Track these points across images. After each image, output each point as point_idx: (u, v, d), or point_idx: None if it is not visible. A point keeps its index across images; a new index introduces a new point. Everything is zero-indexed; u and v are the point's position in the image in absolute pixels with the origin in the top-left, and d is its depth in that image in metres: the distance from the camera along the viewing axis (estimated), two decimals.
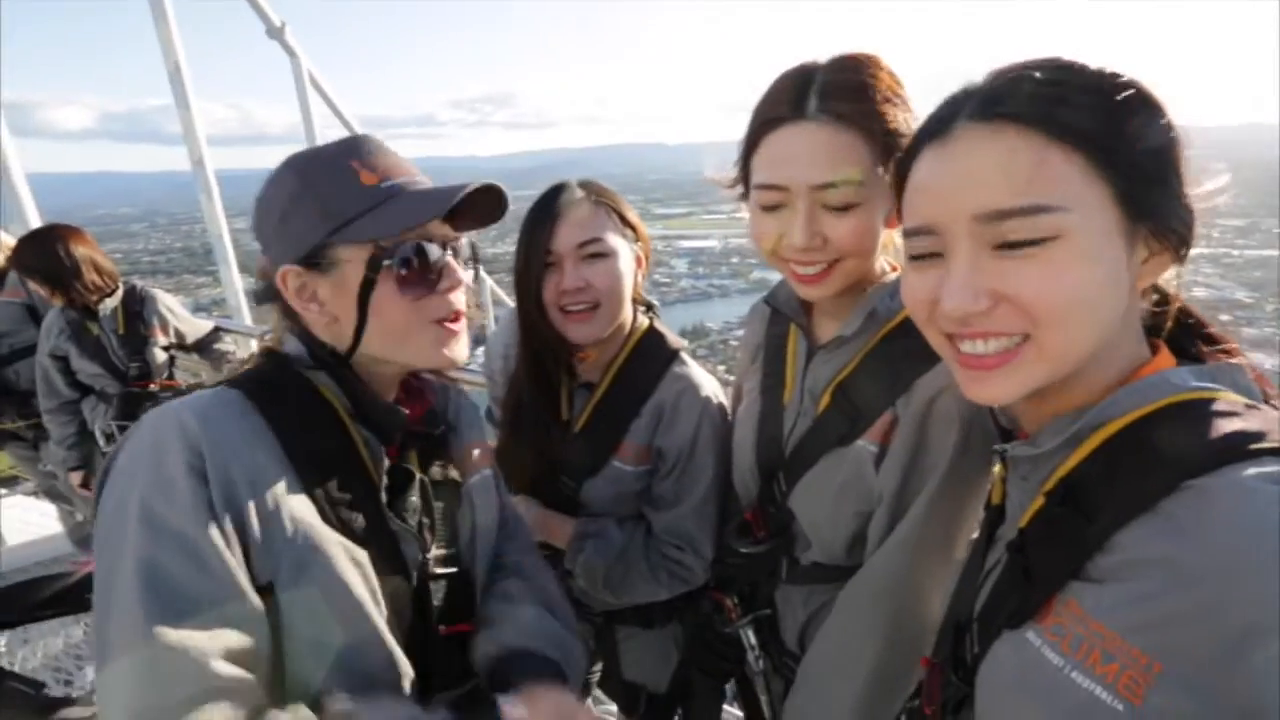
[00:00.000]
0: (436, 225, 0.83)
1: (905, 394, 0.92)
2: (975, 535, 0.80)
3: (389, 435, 0.86)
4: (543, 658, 0.88)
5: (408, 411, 0.89)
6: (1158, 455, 0.54)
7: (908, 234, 0.65)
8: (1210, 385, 0.57)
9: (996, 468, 0.74)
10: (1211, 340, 0.65)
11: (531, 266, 1.19)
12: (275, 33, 4.19)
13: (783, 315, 1.11)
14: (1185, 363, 0.62)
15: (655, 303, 1.38)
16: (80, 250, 2.48)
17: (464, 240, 0.87)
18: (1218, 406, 0.54)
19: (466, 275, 0.86)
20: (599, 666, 1.45)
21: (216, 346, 2.88)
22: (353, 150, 0.82)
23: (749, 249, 1.00)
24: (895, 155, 0.88)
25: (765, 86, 0.93)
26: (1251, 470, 0.49)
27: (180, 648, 0.64)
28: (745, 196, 0.98)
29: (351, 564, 0.76)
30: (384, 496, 0.83)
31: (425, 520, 0.89)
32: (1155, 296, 0.66)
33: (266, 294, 0.85)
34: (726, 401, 1.32)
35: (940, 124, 0.61)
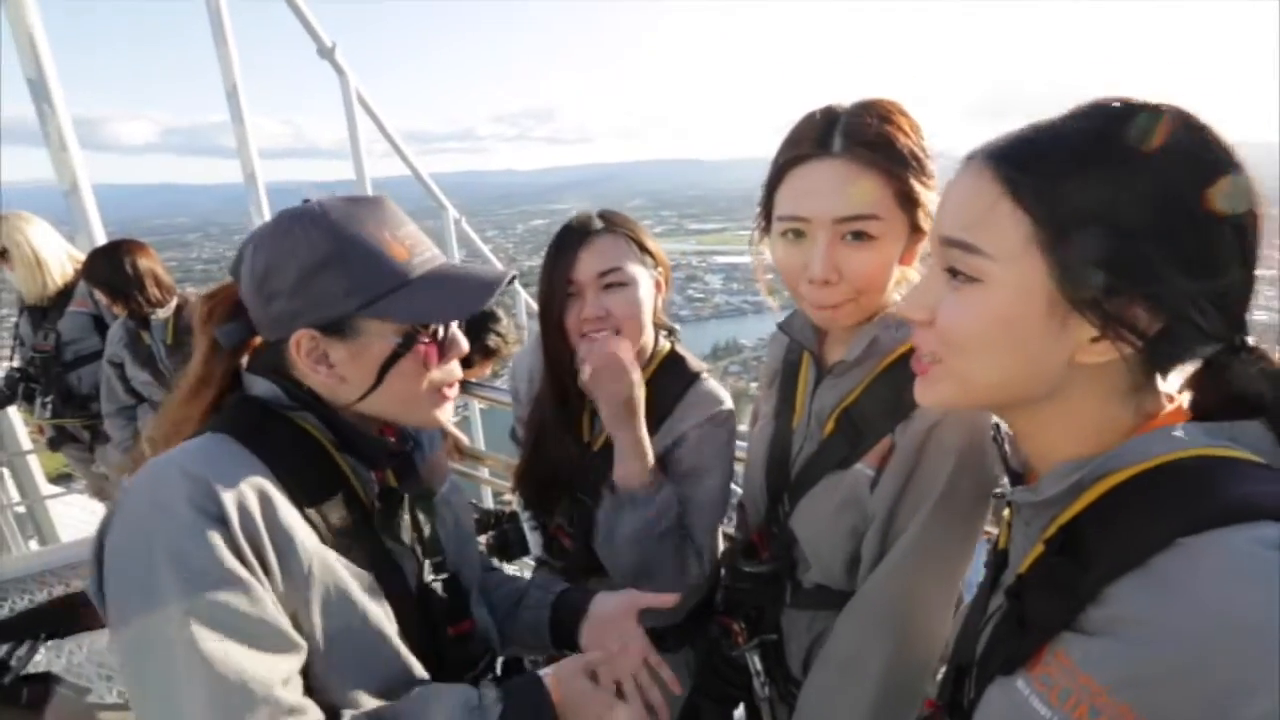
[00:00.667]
0: None
1: (905, 421, 0.94)
2: (981, 578, 0.79)
3: (375, 462, 0.89)
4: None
5: (392, 439, 0.92)
6: (1156, 510, 0.53)
7: None
8: (1222, 442, 0.56)
9: (1005, 512, 0.74)
10: None
11: (554, 295, 1.24)
12: (326, 53, 4.36)
13: (798, 342, 1.13)
14: (1204, 419, 0.60)
15: (676, 327, 1.40)
16: (144, 264, 2.65)
17: None
18: (1226, 465, 0.53)
19: (465, 344, 0.91)
20: None
21: None
22: (382, 220, 0.82)
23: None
24: (911, 198, 0.91)
25: (790, 126, 0.96)
26: (1246, 533, 0.48)
27: (247, 680, 0.67)
28: (767, 230, 1.01)
29: (362, 588, 0.80)
30: (378, 520, 0.87)
31: (415, 535, 0.93)
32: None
33: (239, 334, 0.85)
34: (742, 425, 1.34)
35: (971, 153, 0.63)
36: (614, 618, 1.03)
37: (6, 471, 3.94)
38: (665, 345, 1.35)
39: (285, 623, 0.72)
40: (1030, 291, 0.56)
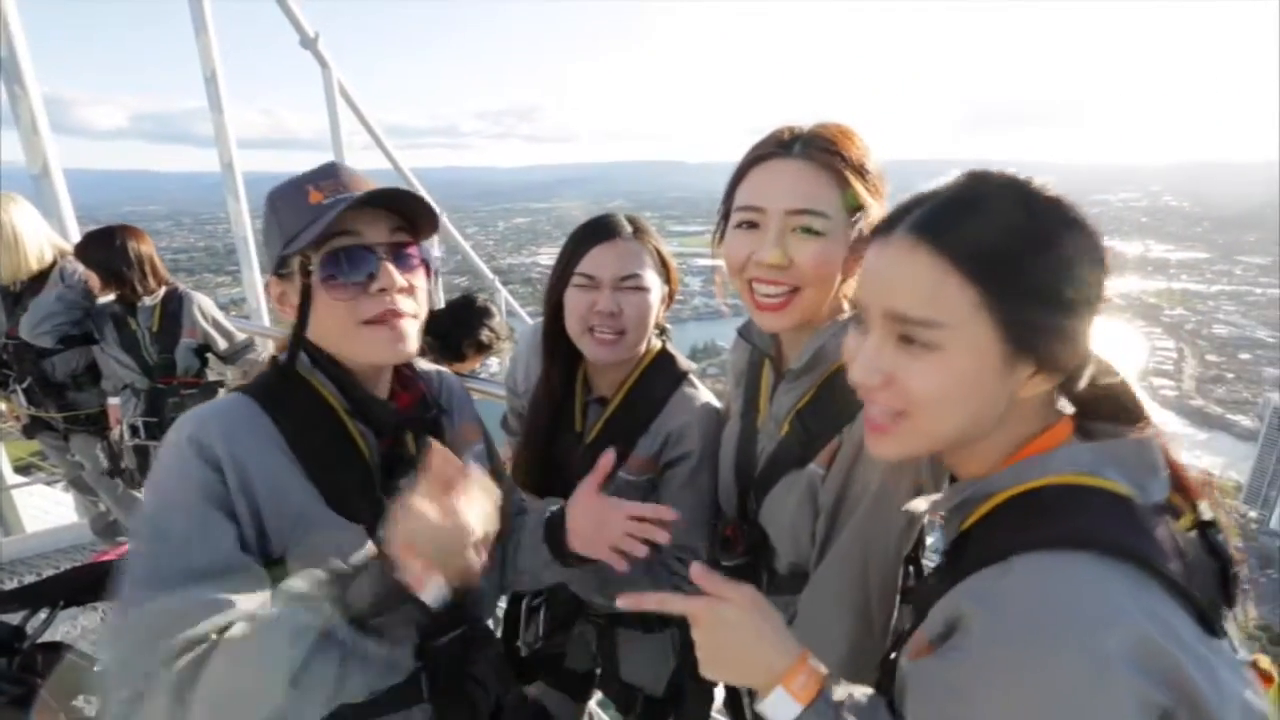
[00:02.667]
0: (375, 232, 0.89)
1: (850, 423, 1.01)
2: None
3: (382, 428, 0.96)
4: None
5: (397, 405, 0.98)
6: (1008, 532, 0.64)
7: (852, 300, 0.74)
8: (1089, 470, 0.64)
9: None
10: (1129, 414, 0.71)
11: (564, 284, 1.27)
12: (309, 43, 4.30)
13: (757, 348, 1.19)
14: (1089, 438, 0.70)
15: (668, 327, 1.45)
16: (143, 250, 2.64)
17: (418, 245, 0.94)
18: (1079, 495, 0.63)
19: (400, 277, 0.90)
20: (600, 667, 1.50)
21: (249, 356, 2.97)
22: (313, 176, 0.92)
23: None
24: (858, 203, 0.98)
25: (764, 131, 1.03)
26: (1048, 560, 0.58)
27: (173, 601, 0.74)
28: (725, 233, 1.07)
29: (351, 540, 0.87)
30: (379, 481, 0.93)
31: None
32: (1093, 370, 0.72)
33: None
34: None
35: (889, 224, 0.70)
36: (583, 503, 1.08)
37: None
38: (656, 344, 1.40)
39: (242, 560, 0.80)
40: (983, 349, 0.64)
